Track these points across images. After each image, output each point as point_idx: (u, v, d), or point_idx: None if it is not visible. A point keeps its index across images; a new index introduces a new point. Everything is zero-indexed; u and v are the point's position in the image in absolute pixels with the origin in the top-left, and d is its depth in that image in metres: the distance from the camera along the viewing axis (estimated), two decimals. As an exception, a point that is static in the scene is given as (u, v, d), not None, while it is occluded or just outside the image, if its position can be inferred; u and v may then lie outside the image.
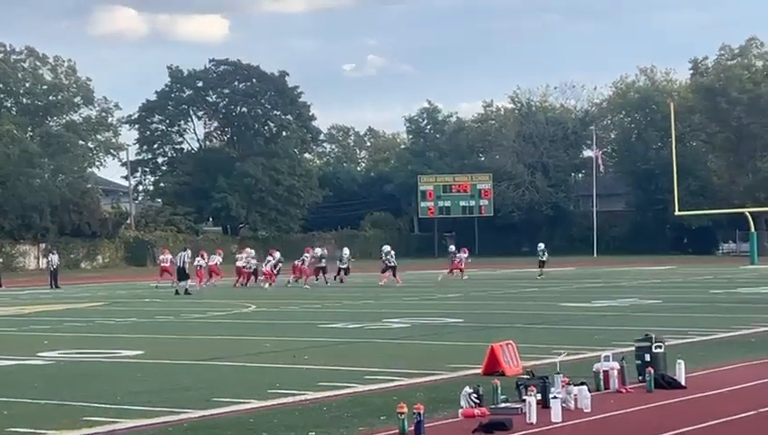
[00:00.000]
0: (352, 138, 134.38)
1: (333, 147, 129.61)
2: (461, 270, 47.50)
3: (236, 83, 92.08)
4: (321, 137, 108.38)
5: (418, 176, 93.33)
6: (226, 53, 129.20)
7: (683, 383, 12.71)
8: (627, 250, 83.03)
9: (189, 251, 44.57)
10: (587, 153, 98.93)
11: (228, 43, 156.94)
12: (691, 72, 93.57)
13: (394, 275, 42.97)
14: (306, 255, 44.66)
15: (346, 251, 46.44)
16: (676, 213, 68.14)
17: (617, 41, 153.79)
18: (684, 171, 74.42)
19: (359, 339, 20.61)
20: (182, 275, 41.14)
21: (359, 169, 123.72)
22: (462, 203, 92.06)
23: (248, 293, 39.85)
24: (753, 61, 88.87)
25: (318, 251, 45.71)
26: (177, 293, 39.85)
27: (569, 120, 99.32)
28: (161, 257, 48.71)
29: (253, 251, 49.39)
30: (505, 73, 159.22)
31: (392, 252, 43.89)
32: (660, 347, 13.10)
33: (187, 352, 18.67)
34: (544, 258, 49.26)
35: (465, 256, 48.56)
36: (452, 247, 52.73)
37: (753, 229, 67.27)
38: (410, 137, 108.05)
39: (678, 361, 12.93)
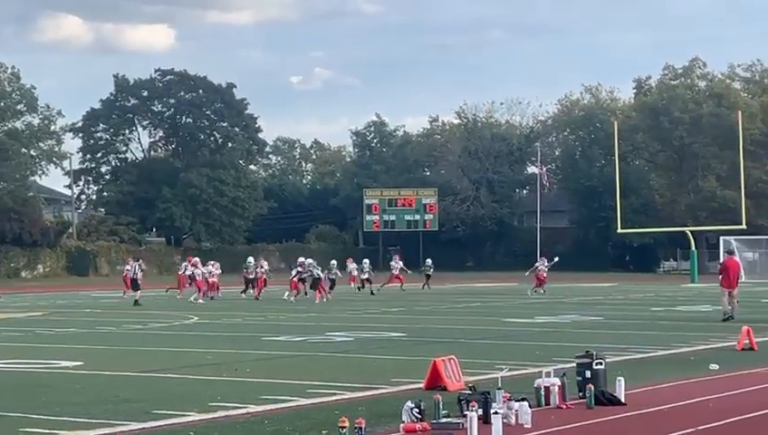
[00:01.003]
0: (298, 150, 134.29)
1: (279, 159, 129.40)
2: (400, 280, 48.31)
3: (182, 93, 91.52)
4: (267, 149, 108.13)
5: (364, 189, 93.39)
6: (173, 63, 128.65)
7: (623, 400, 12.83)
8: (570, 267, 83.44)
9: (142, 262, 44.01)
10: (531, 169, 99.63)
11: (175, 53, 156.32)
12: (635, 91, 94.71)
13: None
14: (299, 268, 42.91)
15: (334, 262, 46.31)
16: (619, 231, 68.81)
17: (562, 58, 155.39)
18: (627, 189, 75.18)
19: (301, 352, 20.56)
20: (135, 285, 40.59)
21: (304, 181, 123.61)
22: (407, 217, 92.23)
23: (196, 304, 39.57)
24: (696, 81, 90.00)
25: (309, 261, 43.78)
26: (136, 303, 39.28)
27: (514, 137, 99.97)
28: (184, 266, 47.06)
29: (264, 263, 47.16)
30: (451, 89, 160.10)
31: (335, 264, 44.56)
32: (601, 364, 13.21)
33: (128, 363, 18.50)
34: (430, 272, 52.49)
35: (400, 265, 48.74)
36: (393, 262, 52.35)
37: (693, 248, 68.10)
38: (356, 150, 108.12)
39: (618, 377, 13.06)
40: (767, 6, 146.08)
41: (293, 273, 43.07)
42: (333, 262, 45.75)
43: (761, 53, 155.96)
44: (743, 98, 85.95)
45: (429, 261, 53.83)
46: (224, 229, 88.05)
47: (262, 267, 44.87)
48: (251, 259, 45.00)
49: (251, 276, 43.73)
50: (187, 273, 45.08)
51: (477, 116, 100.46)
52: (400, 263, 50.79)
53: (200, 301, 41.66)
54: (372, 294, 45.78)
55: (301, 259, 44.05)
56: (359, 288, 47.67)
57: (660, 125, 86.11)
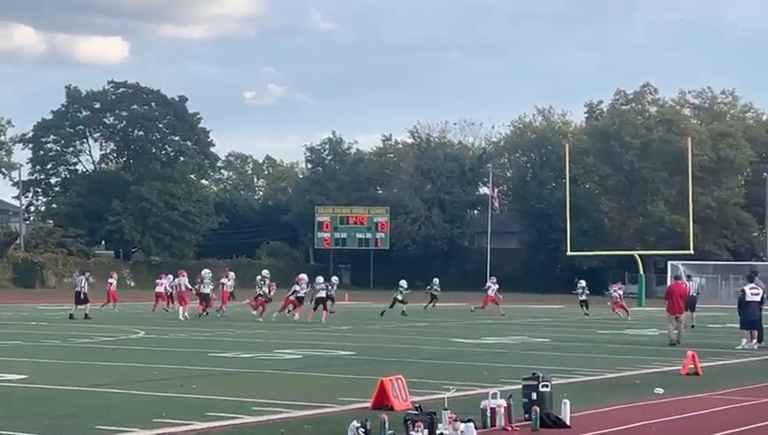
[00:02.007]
0: (251, 166, 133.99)
1: (231, 174, 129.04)
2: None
3: (135, 106, 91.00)
4: (220, 164, 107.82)
5: (316, 206, 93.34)
6: (126, 75, 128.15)
7: (568, 423, 12.89)
8: (519, 288, 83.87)
9: (89, 274, 43.39)
10: (483, 190, 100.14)
11: (128, 65, 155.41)
12: (586, 115, 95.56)
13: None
14: (296, 286, 40.42)
15: (335, 279, 45.71)
16: (568, 253, 69.25)
17: (516, 80, 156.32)
18: (577, 212, 75.69)
19: (248, 369, 20.45)
20: (80, 299, 40.02)
21: (256, 197, 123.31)
22: (358, 235, 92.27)
23: (144, 318, 39.22)
24: (647, 106, 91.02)
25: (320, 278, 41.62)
26: (71, 317, 38.80)
27: (467, 157, 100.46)
28: (157, 282, 45.49)
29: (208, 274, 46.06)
30: (405, 107, 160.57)
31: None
32: (547, 386, 13.26)
33: (73, 377, 18.30)
34: (437, 293, 50.49)
35: (336, 281, 46.67)
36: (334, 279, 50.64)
37: (641, 272, 68.65)
38: (310, 166, 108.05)
39: (564, 400, 13.11)
40: (718, 35, 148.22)
41: (292, 290, 40.49)
42: (335, 278, 45.54)
43: (711, 80, 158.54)
44: (692, 124, 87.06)
45: (437, 281, 51.46)
46: (173, 243, 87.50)
47: (228, 281, 43.87)
48: (207, 271, 43.18)
49: (205, 291, 41.69)
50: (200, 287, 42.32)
51: (430, 136, 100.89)
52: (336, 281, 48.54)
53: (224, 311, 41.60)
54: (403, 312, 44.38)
55: (302, 276, 41.39)
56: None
57: (611, 149, 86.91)
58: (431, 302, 50.18)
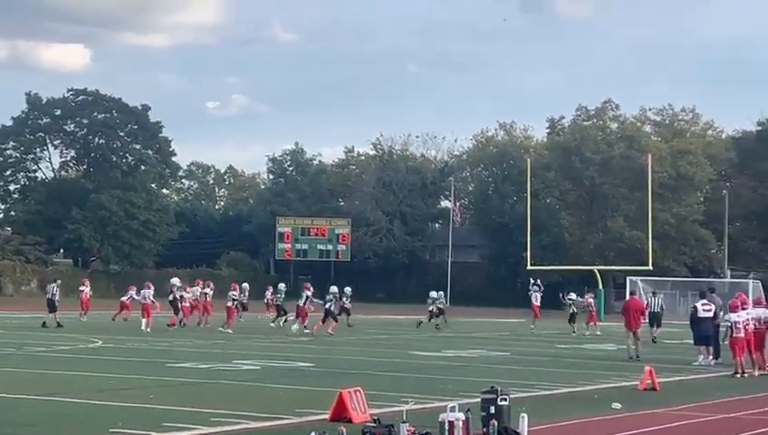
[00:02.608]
0: (212, 175, 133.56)
1: (193, 183, 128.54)
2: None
3: (96, 114, 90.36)
4: (181, 173, 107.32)
5: (277, 217, 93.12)
6: (88, 82, 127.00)
7: (525, 436, 12.93)
8: (480, 301, 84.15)
9: (59, 282, 43.00)
10: (445, 203, 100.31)
11: (90, 73, 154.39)
12: (548, 130, 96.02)
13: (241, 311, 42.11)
14: (307, 292, 40.05)
15: (348, 290, 45.28)
16: (528, 267, 69.46)
17: (479, 94, 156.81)
18: (537, 227, 75.99)
19: (207, 380, 20.37)
20: (52, 306, 39.55)
21: (217, 207, 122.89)
22: (319, 247, 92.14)
23: (101, 327, 38.89)
24: (608, 123, 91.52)
25: (334, 289, 40.92)
26: (44, 325, 38.34)
27: (428, 170, 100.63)
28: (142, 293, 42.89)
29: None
30: (368, 120, 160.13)
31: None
32: (505, 400, 13.31)
33: (28, 386, 18.13)
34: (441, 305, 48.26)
35: (310, 293, 45.51)
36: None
37: (600, 287, 69.01)
38: (272, 177, 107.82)
39: (522, 414, 13.16)
40: (679, 52, 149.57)
41: (303, 297, 39.88)
42: (347, 289, 45.22)
43: (672, 97, 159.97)
44: (653, 141, 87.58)
45: (440, 294, 49.50)
46: (133, 252, 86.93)
47: (207, 290, 43.09)
48: (176, 280, 42.09)
49: (174, 299, 40.53)
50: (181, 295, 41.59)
51: (393, 148, 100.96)
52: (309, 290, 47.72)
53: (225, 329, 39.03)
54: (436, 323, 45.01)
55: (307, 285, 41.33)
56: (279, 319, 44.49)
57: (572, 165, 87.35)
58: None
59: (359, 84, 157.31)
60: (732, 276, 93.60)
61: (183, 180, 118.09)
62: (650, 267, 64.83)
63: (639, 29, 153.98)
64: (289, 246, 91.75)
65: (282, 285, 46.28)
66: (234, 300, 41.43)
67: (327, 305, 38.54)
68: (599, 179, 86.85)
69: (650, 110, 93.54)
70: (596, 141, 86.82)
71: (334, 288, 40.67)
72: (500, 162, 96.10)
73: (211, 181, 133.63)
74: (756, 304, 26.77)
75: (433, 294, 46.77)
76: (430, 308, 46.32)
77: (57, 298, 39.82)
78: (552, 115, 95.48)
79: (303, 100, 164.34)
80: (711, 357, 27.56)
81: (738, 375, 24.24)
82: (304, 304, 39.25)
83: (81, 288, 46.14)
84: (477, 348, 32.18)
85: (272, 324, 42.52)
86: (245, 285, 46.77)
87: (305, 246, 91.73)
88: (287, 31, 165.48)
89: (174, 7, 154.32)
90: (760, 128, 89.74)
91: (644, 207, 69.11)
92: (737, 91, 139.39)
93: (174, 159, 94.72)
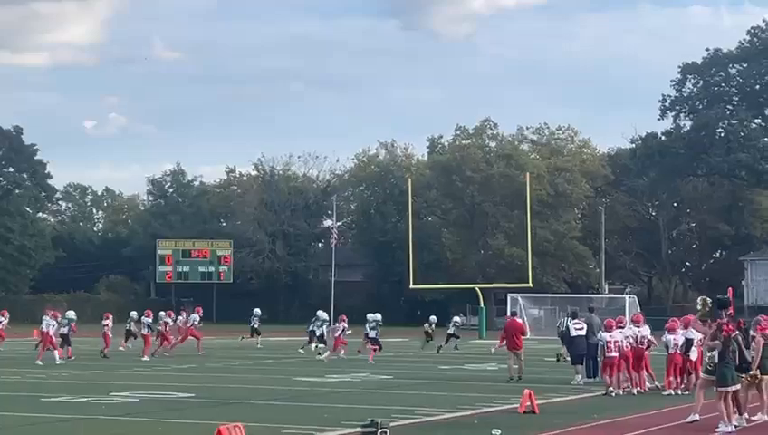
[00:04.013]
0: (90, 197, 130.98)
1: (70, 205, 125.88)
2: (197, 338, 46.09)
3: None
4: (58, 195, 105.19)
5: (157, 240, 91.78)
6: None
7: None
8: (363, 320, 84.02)
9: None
10: (328, 223, 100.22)
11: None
12: (428, 149, 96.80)
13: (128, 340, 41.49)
14: (343, 323, 40.87)
15: (370, 316, 44.66)
16: (411, 287, 69.85)
17: (359, 113, 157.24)
18: (419, 245, 76.48)
19: (81, 415, 19.84)
20: None
21: (95, 229, 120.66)
22: (201, 269, 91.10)
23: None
24: (487, 141, 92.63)
25: (377, 316, 41.13)
26: None
27: (311, 190, 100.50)
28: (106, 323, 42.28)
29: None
30: (249, 139, 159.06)
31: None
32: (386, 432, 13.26)
33: None
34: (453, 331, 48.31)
35: (198, 318, 45.44)
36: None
37: (482, 304, 69.77)
38: (152, 199, 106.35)
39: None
40: (554, 71, 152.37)
41: (339, 328, 40.81)
42: (371, 315, 44.24)
43: (548, 115, 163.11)
44: (531, 159, 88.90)
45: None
46: (8, 278, 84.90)
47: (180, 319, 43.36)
48: (71, 313, 38.92)
49: (64, 332, 37.99)
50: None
51: (275, 168, 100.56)
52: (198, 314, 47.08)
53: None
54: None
55: (320, 313, 43.83)
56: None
57: (453, 183, 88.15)
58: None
59: (240, 103, 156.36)
60: (609, 291, 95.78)
61: (60, 202, 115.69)
62: (530, 285, 65.80)
63: (516, 47, 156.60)
64: (170, 268, 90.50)
65: (257, 310, 49.49)
66: (148, 326, 40.70)
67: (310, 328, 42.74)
68: (479, 198, 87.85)
69: (528, 128, 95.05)
70: (476, 160, 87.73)
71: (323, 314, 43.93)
72: (382, 181, 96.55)
73: (89, 203, 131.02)
74: (635, 322, 27.17)
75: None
76: (450, 331, 47.55)
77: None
78: (432, 134, 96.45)
79: (184, 119, 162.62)
80: (582, 376, 28.00)
81: (614, 394, 24.65)
82: (341, 334, 40.70)
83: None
84: (361, 371, 32.09)
85: (300, 350, 42.88)
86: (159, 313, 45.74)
87: (186, 269, 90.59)
88: (168, 49, 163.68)
89: (51, 26, 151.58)
90: (633, 145, 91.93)
91: (523, 225, 70.21)
92: (611, 109, 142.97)
93: (50, 181, 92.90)
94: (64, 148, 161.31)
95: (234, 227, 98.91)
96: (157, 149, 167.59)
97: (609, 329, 25.63)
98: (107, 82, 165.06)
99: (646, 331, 26.64)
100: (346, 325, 41.09)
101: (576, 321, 28.85)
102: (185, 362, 36.94)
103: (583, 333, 28.14)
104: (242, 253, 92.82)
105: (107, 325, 41.73)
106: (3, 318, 43.72)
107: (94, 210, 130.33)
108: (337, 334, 40.92)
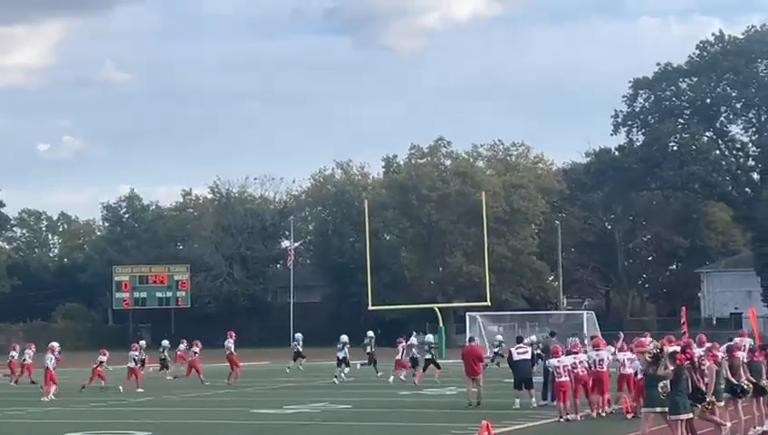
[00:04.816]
0: (45, 223, 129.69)
1: (25, 232, 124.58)
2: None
3: None
4: (12, 222, 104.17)
5: (114, 266, 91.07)
6: None
7: None
8: (323, 342, 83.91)
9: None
10: (285, 244, 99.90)
11: None
12: (384, 168, 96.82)
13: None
14: (402, 344, 41.05)
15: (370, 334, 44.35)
16: (370, 307, 69.70)
17: (316, 133, 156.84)
18: (378, 265, 76.43)
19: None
20: None
21: (51, 255, 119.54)
22: (158, 294, 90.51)
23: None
24: (443, 160, 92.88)
25: (416, 340, 41.77)
26: None
27: (267, 212, 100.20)
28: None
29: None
30: (205, 160, 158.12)
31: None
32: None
33: None
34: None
35: (405, 344, 42.83)
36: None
37: (441, 324, 69.72)
38: (107, 224, 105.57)
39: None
40: (507, 86, 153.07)
41: (400, 350, 40.71)
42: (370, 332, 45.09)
43: (503, 132, 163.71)
44: (486, 177, 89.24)
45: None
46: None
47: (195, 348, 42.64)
48: (55, 345, 37.25)
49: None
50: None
51: (231, 191, 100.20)
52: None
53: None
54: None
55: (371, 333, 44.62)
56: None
57: (409, 202, 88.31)
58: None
59: (194, 124, 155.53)
60: (568, 304, 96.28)
61: (14, 229, 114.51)
62: (488, 303, 65.99)
63: (469, 63, 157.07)
64: (127, 294, 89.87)
65: (299, 335, 49.06)
66: (134, 360, 40.04)
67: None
68: (436, 216, 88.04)
69: (482, 145, 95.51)
70: (431, 179, 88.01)
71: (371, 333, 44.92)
72: (338, 202, 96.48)
73: (44, 229, 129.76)
74: (595, 346, 27.13)
75: (429, 337, 42.73)
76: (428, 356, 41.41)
77: None
78: (387, 153, 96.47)
79: (139, 140, 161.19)
80: (533, 399, 28.13)
81: (561, 419, 24.76)
82: (402, 357, 40.60)
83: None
84: (320, 400, 31.90)
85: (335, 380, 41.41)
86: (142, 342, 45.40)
87: (144, 295, 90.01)
88: (121, 71, 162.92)
89: (2, 49, 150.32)
90: (588, 159, 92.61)
91: (481, 242, 70.40)
92: (566, 123, 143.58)
93: (2, 209, 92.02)
94: (18, 172, 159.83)
95: (190, 250, 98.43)
96: (112, 171, 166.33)
97: (555, 355, 25.76)
98: (60, 105, 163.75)
99: (604, 354, 26.68)
100: (405, 345, 41.21)
101: (519, 345, 28.97)
102: (143, 393, 36.59)
103: (527, 357, 28.29)
104: (199, 277, 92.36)
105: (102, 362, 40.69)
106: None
107: (50, 236, 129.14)
108: (398, 357, 40.89)
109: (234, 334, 43.42)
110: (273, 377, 45.36)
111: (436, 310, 70.20)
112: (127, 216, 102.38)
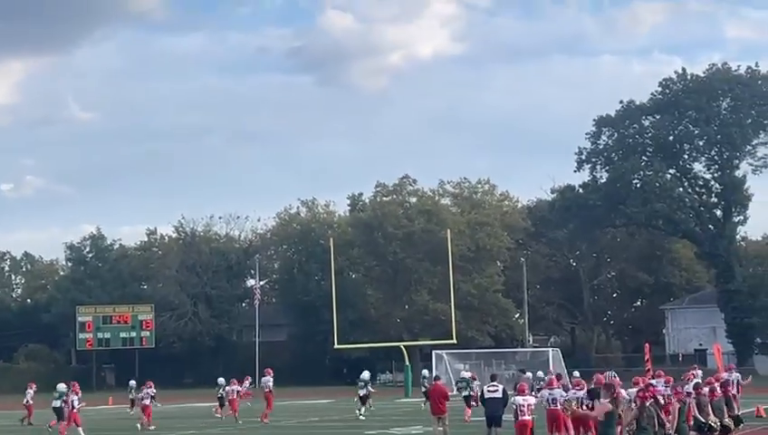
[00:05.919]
0: (8, 262, 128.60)
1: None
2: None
3: None
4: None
5: (77, 306, 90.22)
6: None
7: None
8: (288, 381, 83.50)
9: None
10: (251, 283, 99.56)
11: None
12: (349, 207, 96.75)
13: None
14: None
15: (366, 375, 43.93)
16: (336, 346, 69.44)
17: (281, 171, 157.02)
18: (343, 303, 76.15)
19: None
20: None
21: (14, 295, 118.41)
22: (122, 334, 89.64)
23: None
24: (408, 197, 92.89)
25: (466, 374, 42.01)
26: None
27: (233, 251, 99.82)
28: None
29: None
30: (170, 198, 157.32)
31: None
32: None
33: None
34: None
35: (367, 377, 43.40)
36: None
37: (407, 362, 69.61)
38: (71, 264, 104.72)
39: None
40: (472, 124, 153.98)
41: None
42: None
43: (468, 169, 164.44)
44: (452, 215, 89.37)
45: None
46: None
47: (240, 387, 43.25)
48: (62, 386, 36.71)
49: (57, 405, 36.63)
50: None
51: (195, 230, 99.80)
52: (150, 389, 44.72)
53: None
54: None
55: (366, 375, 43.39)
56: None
57: (375, 240, 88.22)
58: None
59: (158, 162, 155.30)
60: (534, 341, 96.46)
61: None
62: (454, 341, 65.96)
63: (432, 101, 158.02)
64: (91, 335, 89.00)
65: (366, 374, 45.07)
66: (151, 397, 39.74)
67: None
68: (401, 254, 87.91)
69: (448, 182, 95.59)
70: (397, 217, 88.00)
71: (366, 375, 43.15)
72: (304, 240, 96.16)
73: (7, 269, 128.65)
74: (575, 386, 26.98)
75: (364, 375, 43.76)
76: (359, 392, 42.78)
77: None
78: (352, 191, 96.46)
79: (103, 179, 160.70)
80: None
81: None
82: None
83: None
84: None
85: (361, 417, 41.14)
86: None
87: (108, 335, 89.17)
88: (84, 110, 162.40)
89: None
90: (553, 196, 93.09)
91: (446, 280, 70.42)
92: (530, 160, 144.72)
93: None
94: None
95: (155, 290, 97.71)
96: (76, 210, 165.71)
97: (521, 393, 25.76)
98: (23, 144, 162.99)
99: (557, 393, 26.75)
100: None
101: (491, 383, 28.96)
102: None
103: (498, 395, 28.21)
104: (164, 316, 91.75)
105: (30, 394, 41.35)
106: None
107: (12, 276, 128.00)
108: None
109: (271, 371, 43.37)
110: (243, 416, 44.78)
111: (403, 348, 70.03)
112: (91, 255, 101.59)
